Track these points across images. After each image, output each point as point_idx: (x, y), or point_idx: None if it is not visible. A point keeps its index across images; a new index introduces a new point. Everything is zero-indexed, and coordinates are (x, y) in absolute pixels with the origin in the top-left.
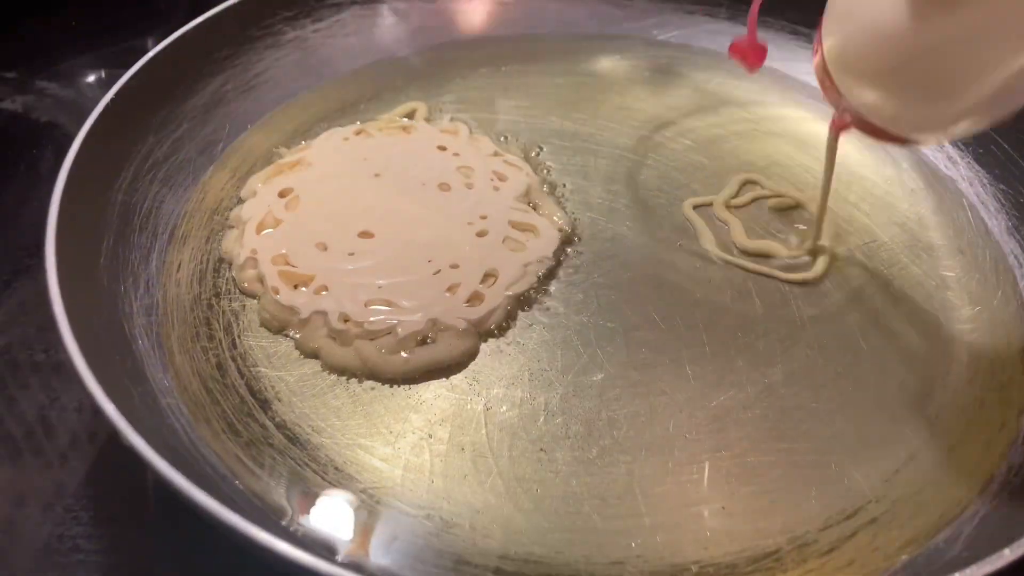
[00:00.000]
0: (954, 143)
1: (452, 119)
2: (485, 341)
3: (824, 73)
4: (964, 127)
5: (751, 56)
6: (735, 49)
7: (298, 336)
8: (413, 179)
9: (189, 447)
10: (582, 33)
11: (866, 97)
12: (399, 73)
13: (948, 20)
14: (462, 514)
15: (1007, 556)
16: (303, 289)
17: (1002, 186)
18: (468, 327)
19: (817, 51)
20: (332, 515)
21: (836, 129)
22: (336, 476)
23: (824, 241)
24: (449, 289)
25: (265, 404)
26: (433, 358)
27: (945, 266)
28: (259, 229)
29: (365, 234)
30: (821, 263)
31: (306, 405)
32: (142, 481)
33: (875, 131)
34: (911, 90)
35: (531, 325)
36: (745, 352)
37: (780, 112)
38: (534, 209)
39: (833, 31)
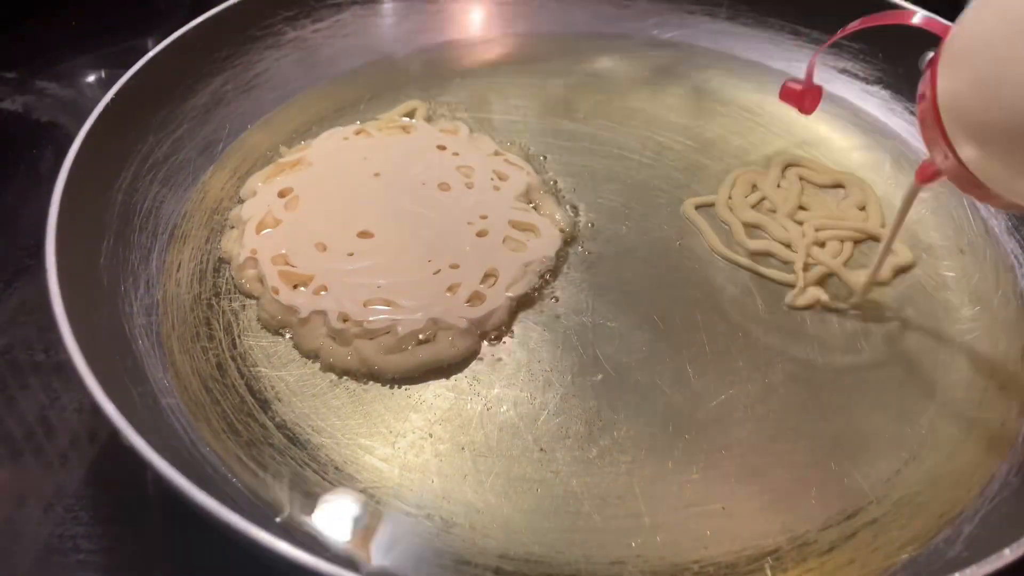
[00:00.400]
0: None
1: (452, 119)
2: (485, 341)
3: (933, 117)
4: None
5: (808, 101)
6: (788, 94)
7: (298, 336)
8: (413, 179)
9: (189, 447)
10: (582, 33)
11: (985, 158)
12: (399, 73)
13: None
14: (462, 514)
15: (1007, 556)
16: (302, 289)
17: None
18: (468, 327)
19: (926, 92)
20: (332, 515)
21: (923, 179)
22: (336, 476)
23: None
24: (449, 289)
25: (265, 404)
26: (433, 358)
27: (945, 266)
28: (259, 229)
29: (365, 234)
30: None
31: (306, 405)
32: (142, 481)
33: (971, 184)
34: None
35: (531, 325)
36: (745, 352)
37: (780, 112)
38: (535, 209)
39: (959, 77)
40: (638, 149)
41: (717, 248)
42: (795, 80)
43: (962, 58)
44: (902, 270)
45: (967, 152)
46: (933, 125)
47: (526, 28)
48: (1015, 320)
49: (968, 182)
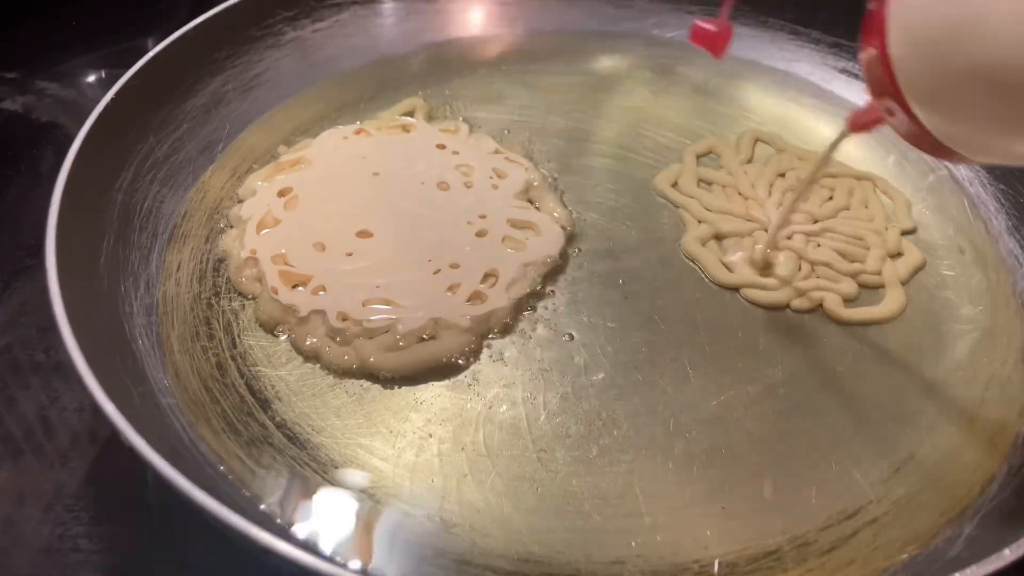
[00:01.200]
0: None
1: (452, 117)
2: (485, 340)
3: (882, 72)
4: None
5: (719, 42)
6: (699, 36)
7: (297, 335)
8: (412, 178)
9: (189, 447)
10: (582, 33)
11: (943, 123)
12: (399, 72)
13: None
14: (462, 514)
15: (1007, 556)
16: (301, 289)
17: (1002, 186)
18: (469, 326)
19: (869, 44)
20: (332, 515)
21: (859, 127)
22: (336, 476)
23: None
24: (450, 288)
25: (265, 403)
26: (433, 357)
27: (945, 266)
28: (259, 228)
29: (364, 233)
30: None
31: (306, 405)
32: (142, 481)
33: (917, 137)
34: (1003, 124)
35: (532, 324)
36: (745, 352)
37: (781, 112)
38: (535, 207)
39: (913, 42)
40: (638, 149)
41: (720, 280)
42: (707, 19)
43: (925, 30)
44: (917, 270)
45: (932, 124)
46: (883, 81)
47: (526, 28)
48: (1015, 320)
49: (911, 134)
